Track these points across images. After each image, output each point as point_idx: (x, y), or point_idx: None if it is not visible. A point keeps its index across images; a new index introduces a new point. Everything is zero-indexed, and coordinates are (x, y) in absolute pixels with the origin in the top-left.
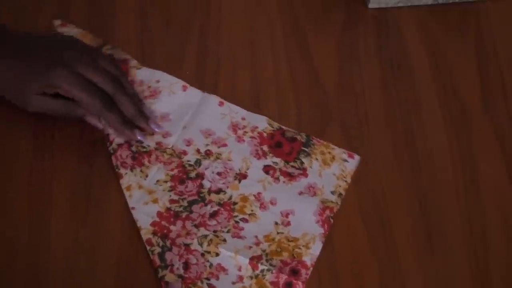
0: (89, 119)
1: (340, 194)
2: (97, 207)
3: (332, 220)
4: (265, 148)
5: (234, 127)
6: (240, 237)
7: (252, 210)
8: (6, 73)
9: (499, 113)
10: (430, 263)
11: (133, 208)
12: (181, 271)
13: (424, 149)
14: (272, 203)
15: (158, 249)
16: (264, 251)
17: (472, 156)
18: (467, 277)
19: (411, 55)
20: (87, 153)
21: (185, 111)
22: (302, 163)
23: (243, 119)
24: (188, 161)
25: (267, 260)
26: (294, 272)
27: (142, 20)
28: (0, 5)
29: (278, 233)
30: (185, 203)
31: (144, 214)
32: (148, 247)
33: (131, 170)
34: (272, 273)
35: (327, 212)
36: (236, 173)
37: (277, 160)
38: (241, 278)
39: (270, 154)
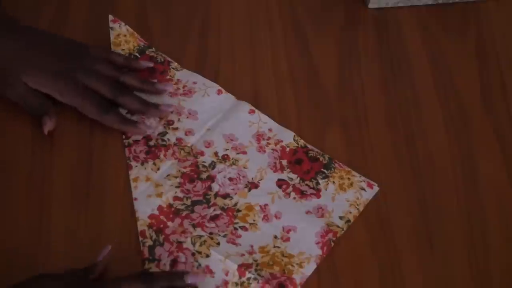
0: (44, 119)
1: (348, 221)
2: (97, 204)
3: (333, 244)
4: (284, 162)
5: (259, 137)
6: (234, 243)
7: (254, 220)
8: (6, 56)
9: (499, 113)
10: (430, 263)
11: (135, 199)
12: (167, 268)
13: (424, 149)
14: (276, 217)
15: (149, 242)
16: (255, 261)
17: (472, 156)
18: (467, 277)
19: (411, 55)
20: (86, 150)
21: (213, 114)
22: (317, 183)
23: (270, 130)
24: (203, 162)
25: (256, 270)
26: (282, 287)
27: (142, 20)
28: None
29: (274, 246)
30: (188, 202)
31: (145, 206)
32: (140, 238)
33: (142, 164)
34: (258, 282)
35: (330, 235)
36: (248, 181)
37: (293, 176)
38: (226, 283)
39: (288, 169)
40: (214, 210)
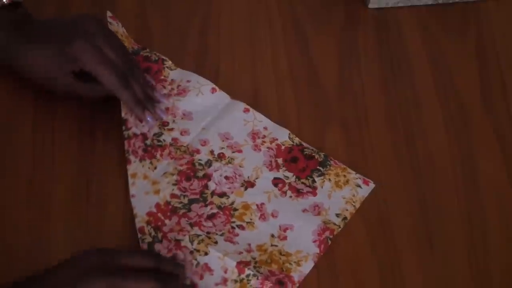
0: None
1: (344, 218)
2: (97, 204)
3: (330, 242)
4: (279, 160)
5: (254, 135)
6: (232, 242)
7: (251, 219)
8: (35, 58)
9: (499, 113)
10: (430, 263)
11: (133, 195)
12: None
13: (424, 149)
14: (273, 216)
15: (149, 239)
16: (254, 258)
17: (472, 156)
18: (467, 277)
19: (411, 55)
20: (86, 149)
21: (208, 113)
22: (313, 181)
23: (265, 128)
24: (199, 160)
25: (255, 267)
26: (281, 283)
27: (142, 20)
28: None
29: (272, 245)
30: (185, 200)
31: (143, 203)
32: (139, 235)
33: (140, 161)
34: (257, 279)
35: (327, 233)
36: (244, 180)
37: (289, 174)
38: (225, 281)
39: (283, 168)
40: (211, 209)
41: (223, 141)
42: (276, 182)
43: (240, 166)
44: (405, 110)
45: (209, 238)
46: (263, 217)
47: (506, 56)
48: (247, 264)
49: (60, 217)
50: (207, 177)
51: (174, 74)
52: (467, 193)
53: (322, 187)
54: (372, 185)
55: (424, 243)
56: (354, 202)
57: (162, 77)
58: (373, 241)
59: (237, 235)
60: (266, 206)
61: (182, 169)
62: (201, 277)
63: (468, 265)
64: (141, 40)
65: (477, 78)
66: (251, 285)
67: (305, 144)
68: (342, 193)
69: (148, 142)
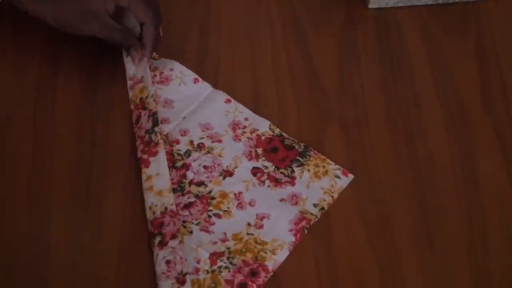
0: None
1: (322, 208)
2: (98, 203)
3: (306, 231)
4: (259, 150)
5: (235, 126)
6: (207, 231)
7: (228, 208)
8: None
9: (499, 113)
10: (430, 263)
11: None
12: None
13: (424, 149)
14: (250, 204)
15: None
16: (228, 248)
17: (472, 156)
18: (467, 277)
19: (411, 55)
20: (87, 148)
21: (189, 102)
22: (292, 171)
23: (246, 119)
24: (179, 150)
25: (228, 258)
26: (253, 274)
27: None
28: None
29: (248, 233)
30: None
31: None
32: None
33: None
34: (229, 271)
35: (303, 222)
36: (223, 170)
37: (268, 164)
38: (197, 271)
39: (263, 158)
40: (188, 198)
41: (203, 131)
42: (255, 171)
43: (220, 156)
44: (405, 110)
45: (184, 227)
46: (240, 205)
47: (506, 56)
48: (220, 255)
49: (61, 217)
50: (186, 166)
51: (157, 63)
52: (467, 193)
53: (301, 178)
54: (351, 176)
55: (424, 243)
56: (332, 192)
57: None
58: (373, 241)
59: (213, 224)
60: (244, 195)
61: None
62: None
63: (468, 265)
64: None
65: (477, 78)
66: (222, 277)
67: (285, 135)
68: (321, 183)
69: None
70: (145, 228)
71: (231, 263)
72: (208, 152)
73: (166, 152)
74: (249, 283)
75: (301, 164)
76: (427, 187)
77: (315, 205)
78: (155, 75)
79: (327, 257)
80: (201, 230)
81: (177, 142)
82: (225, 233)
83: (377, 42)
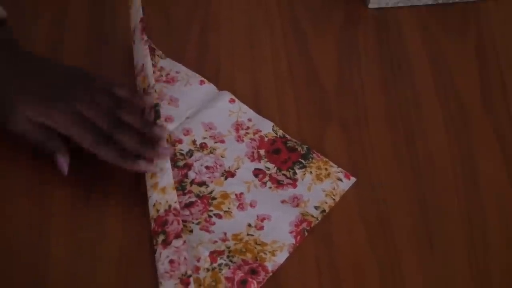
0: (58, 159)
1: (323, 211)
2: (98, 206)
3: (306, 233)
4: (261, 152)
5: (238, 126)
6: (208, 231)
7: (229, 208)
8: (5, 85)
9: (499, 113)
10: (430, 263)
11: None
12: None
13: (424, 149)
14: (251, 205)
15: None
16: (228, 247)
17: (472, 156)
18: (467, 277)
19: (411, 55)
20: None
21: (194, 102)
22: (294, 173)
23: (250, 120)
24: (181, 150)
25: (228, 256)
26: (253, 272)
27: None
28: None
29: (248, 234)
30: None
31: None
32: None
33: None
34: (229, 268)
35: (304, 224)
36: (225, 170)
37: (270, 165)
38: (197, 269)
39: (265, 159)
40: (189, 197)
41: (206, 131)
42: (257, 172)
43: (222, 156)
44: (405, 110)
45: (185, 226)
46: (241, 206)
47: (506, 56)
48: (220, 253)
49: (61, 218)
50: (187, 166)
51: (164, 62)
52: (467, 193)
53: (302, 180)
54: (353, 179)
55: (424, 243)
56: (334, 195)
57: (152, 63)
58: (373, 241)
59: (213, 224)
60: (245, 196)
61: None
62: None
63: (468, 265)
64: None
65: (477, 78)
66: (222, 274)
67: (288, 137)
68: (323, 186)
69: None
70: (145, 232)
71: (231, 261)
72: (211, 152)
73: None
74: (249, 279)
75: (304, 166)
76: (427, 187)
77: (316, 208)
78: (161, 75)
79: (327, 258)
80: (201, 229)
81: (180, 141)
82: (225, 233)
83: (377, 42)
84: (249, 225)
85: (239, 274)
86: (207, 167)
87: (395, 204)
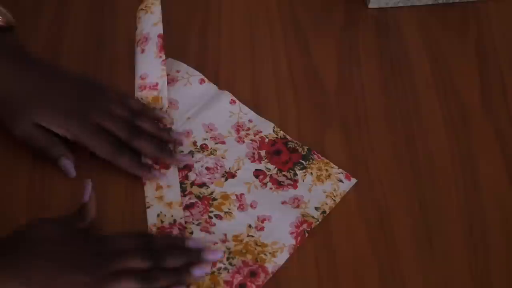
0: (64, 164)
1: (324, 212)
2: (99, 206)
3: (307, 234)
4: (262, 153)
5: (238, 127)
6: (208, 232)
7: (229, 209)
8: (17, 91)
9: (499, 113)
10: (430, 263)
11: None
12: None
13: (424, 149)
14: (252, 206)
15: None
16: (228, 249)
17: (472, 156)
18: (467, 277)
19: (411, 55)
20: (87, 150)
21: (194, 103)
22: (295, 174)
23: (250, 121)
24: (181, 151)
25: (228, 259)
26: (252, 274)
27: None
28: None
29: (248, 235)
30: None
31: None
32: None
33: None
34: (228, 272)
35: (305, 225)
36: (225, 171)
37: (271, 166)
38: None
39: (266, 160)
40: (190, 198)
41: (206, 132)
42: (258, 173)
43: (222, 158)
44: (405, 110)
45: (185, 228)
46: (241, 207)
47: (506, 56)
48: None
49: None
50: (188, 167)
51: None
52: (467, 193)
53: (303, 181)
54: (354, 180)
55: (424, 243)
56: (334, 196)
57: None
58: (373, 241)
59: (213, 225)
60: (246, 196)
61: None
62: None
63: (468, 265)
64: None
65: (477, 78)
66: (221, 278)
67: (289, 138)
68: (323, 187)
69: None
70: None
71: (230, 264)
72: (211, 153)
73: None
74: (248, 283)
75: (304, 167)
76: (427, 187)
77: (316, 209)
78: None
79: (328, 259)
80: (201, 231)
81: (180, 143)
82: (225, 235)
83: (377, 42)
84: (250, 226)
85: (238, 278)
86: (207, 169)
87: (395, 204)
